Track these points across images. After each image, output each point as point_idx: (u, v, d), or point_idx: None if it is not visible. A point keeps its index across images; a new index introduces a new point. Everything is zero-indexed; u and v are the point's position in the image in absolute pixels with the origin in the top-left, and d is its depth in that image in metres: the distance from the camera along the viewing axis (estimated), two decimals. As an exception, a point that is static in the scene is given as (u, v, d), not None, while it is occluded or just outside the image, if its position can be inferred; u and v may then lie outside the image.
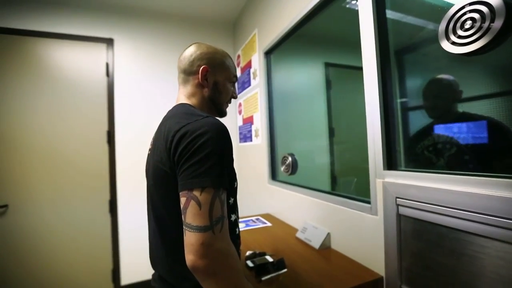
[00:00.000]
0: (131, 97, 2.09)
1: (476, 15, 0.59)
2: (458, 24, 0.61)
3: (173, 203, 0.56)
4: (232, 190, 0.65)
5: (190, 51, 0.70)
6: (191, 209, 0.49)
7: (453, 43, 0.63)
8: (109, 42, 2.03)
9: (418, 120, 0.88)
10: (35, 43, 1.84)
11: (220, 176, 0.52)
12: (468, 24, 0.60)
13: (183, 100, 0.69)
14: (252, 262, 0.97)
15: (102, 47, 2.01)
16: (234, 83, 0.76)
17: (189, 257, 0.47)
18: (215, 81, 0.70)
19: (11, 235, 1.74)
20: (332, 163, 1.54)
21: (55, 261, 1.83)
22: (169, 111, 0.68)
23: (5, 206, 1.73)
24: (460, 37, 0.61)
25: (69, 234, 1.88)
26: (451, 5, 0.64)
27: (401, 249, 0.77)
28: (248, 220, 1.59)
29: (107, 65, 2.01)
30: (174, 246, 0.58)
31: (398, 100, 0.87)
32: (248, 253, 1.05)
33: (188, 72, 0.69)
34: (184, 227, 0.50)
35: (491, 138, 0.66)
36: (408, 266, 0.75)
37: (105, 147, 1.99)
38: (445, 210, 0.64)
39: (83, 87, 1.95)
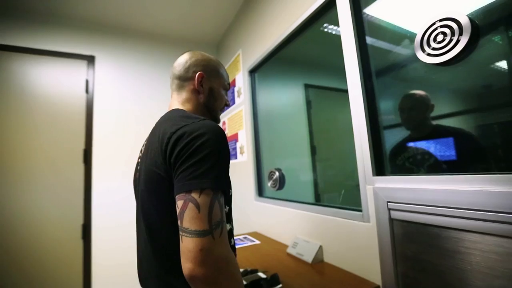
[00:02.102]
0: (111, 114, 2.02)
1: (446, 30, 0.66)
2: (432, 37, 0.68)
3: (167, 210, 0.52)
4: (227, 198, 0.63)
5: (185, 58, 0.70)
6: (189, 212, 0.46)
7: (428, 54, 0.69)
8: (90, 59, 1.99)
9: (398, 132, 0.93)
10: (10, 57, 1.76)
11: (219, 178, 0.50)
12: (440, 37, 0.67)
13: (177, 106, 0.68)
14: (245, 279, 0.91)
15: (83, 64, 1.96)
16: (227, 90, 0.77)
17: (186, 265, 0.43)
18: (210, 87, 0.70)
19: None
20: (316, 180, 1.56)
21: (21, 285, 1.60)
22: (163, 116, 0.66)
23: (-42, 235, 1.52)
24: (434, 49, 0.68)
25: (36, 259, 1.67)
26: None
27: (396, 255, 0.77)
28: (236, 239, 1.52)
29: (87, 81, 1.96)
30: (168, 257, 0.53)
31: (381, 108, 0.92)
32: (239, 271, 0.99)
33: (183, 78, 0.69)
34: (180, 232, 0.46)
35: (463, 146, 0.71)
36: (404, 271, 0.75)
37: (81, 166, 1.86)
38: (435, 210, 0.66)
39: (60, 104, 1.86)
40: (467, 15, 0.62)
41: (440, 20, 0.67)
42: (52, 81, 1.86)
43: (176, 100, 0.70)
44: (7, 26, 1.78)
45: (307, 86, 1.83)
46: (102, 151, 1.95)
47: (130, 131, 2.07)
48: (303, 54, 1.67)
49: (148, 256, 0.57)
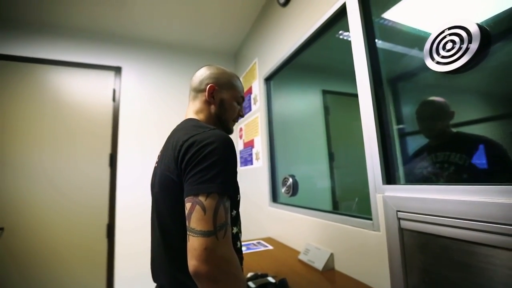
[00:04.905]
0: (136, 121, 2.16)
1: (455, 38, 0.65)
2: (441, 46, 0.68)
3: (179, 211, 0.57)
4: (235, 202, 0.66)
5: (201, 72, 0.77)
6: (195, 214, 0.50)
7: (438, 62, 0.69)
8: (117, 70, 2.15)
9: (414, 139, 0.91)
10: (46, 70, 1.95)
11: (225, 183, 0.54)
12: (449, 45, 0.66)
13: (191, 115, 0.74)
14: (254, 283, 0.93)
15: (111, 74, 2.13)
16: (240, 102, 0.81)
17: (192, 263, 0.48)
18: (221, 98, 0.75)
19: (5, 259, 1.68)
20: (332, 187, 1.54)
21: (50, 286, 1.75)
22: (178, 125, 0.72)
23: (1, 229, 1.69)
24: (443, 57, 0.67)
25: (64, 258, 1.81)
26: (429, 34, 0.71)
27: (406, 265, 0.76)
28: (249, 244, 1.55)
29: (114, 90, 2.11)
30: (178, 255, 0.57)
31: (393, 117, 0.91)
32: (249, 274, 1.02)
33: (197, 90, 0.75)
34: (188, 232, 0.50)
35: (486, 155, 0.68)
36: (415, 283, 0.73)
37: (107, 169, 2.00)
38: (445, 221, 0.65)
39: (90, 111, 2.03)
40: (476, 23, 0.62)
41: (449, 28, 0.67)
42: (83, 91, 2.03)
43: (190, 109, 0.76)
44: (46, 42, 1.98)
45: (325, 92, 1.82)
46: (127, 156, 2.08)
47: (152, 137, 2.19)
48: (321, 60, 1.67)
49: (160, 253, 0.62)
